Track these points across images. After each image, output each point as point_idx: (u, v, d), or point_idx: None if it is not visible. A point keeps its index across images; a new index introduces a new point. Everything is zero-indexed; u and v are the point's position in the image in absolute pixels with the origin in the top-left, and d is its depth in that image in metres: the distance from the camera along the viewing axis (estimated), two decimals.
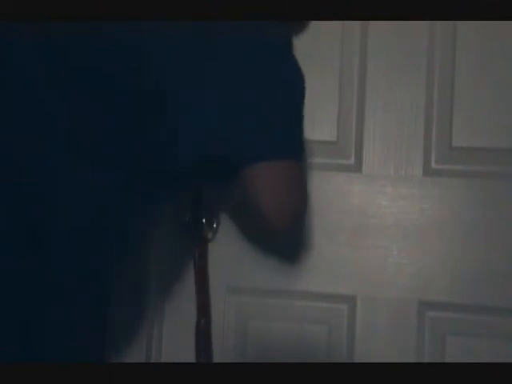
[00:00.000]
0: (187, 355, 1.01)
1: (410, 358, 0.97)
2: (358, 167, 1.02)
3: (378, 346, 0.99)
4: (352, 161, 1.02)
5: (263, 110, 0.65)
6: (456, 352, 0.97)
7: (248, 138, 0.65)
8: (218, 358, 1.02)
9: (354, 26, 1.02)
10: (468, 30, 0.99)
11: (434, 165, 1.00)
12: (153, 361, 1.06)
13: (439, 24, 1.00)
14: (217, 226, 1.04)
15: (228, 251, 1.03)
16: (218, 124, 0.64)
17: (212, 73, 0.64)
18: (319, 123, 1.01)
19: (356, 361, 0.99)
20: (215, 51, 0.64)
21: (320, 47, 1.02)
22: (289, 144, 0.68)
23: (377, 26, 1.01)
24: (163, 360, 1.05)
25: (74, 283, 0.66)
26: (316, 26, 1.01)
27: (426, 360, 0.98)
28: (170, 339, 1.05)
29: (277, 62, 0.68)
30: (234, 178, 0.68)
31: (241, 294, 1.04)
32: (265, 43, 0.66)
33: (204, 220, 1.04)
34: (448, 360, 0.97)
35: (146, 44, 0.63)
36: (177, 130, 0.65)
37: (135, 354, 1.05)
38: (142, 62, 0.63)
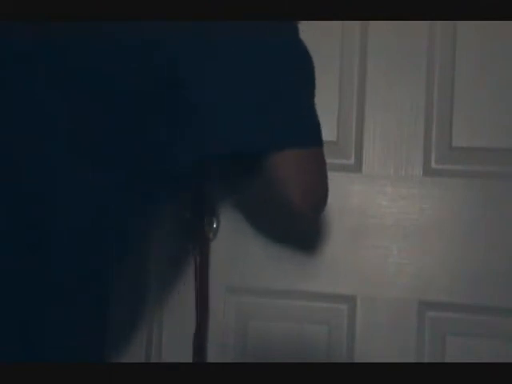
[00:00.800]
0: (187, 355, 1.01)
1: (410, 358, 0.98)
2: (358, 167, 1.02)
3: (378, 345, 0.99)
4: (352, 161, 1.02)
5: (277, 99, 0.65)
6: (456, 352, 0.97)
7: (267, 128, 0.64)
8: (218, 358, 1.02)
9: (354, 25, 1.03)
10: (468, 29, 0.99)
11: (434, 165, 1.00)
12: (153, 361, 1.06)
13: (439, 24, 1.00)
14: (217, 225, 1.04)
15: (228, 251, 1.04)
16: (237, 118, 0.64)
17: (219, 68, 0.63)
18: None
19: (356, 361, 0.99)
20: (216, 47, 0.64)
21: (320, 47, 1.02)
22: (309, 131, 0.68)
23: (377, 26, 1.01)
24: (163, 360, 1.05)
25: (74, 283, 0.66)
26: (316, 26, 1.01)
27: (426, 360, 0.98)
28: (170, 339, 1.05)
29: (287, 47, 0.67)
30: (253, 170, 0.68)
31: (241, 294, 1.04)
32: (272, 31, 0.66)
33: (204, 220, 1.04)
34: (448, 360, 0.97)
35: (146, 44, 0.63)
36: (176, 130, 0.65)
37: (135, 354, 1.05)
38: (141, 62, 0.63)
